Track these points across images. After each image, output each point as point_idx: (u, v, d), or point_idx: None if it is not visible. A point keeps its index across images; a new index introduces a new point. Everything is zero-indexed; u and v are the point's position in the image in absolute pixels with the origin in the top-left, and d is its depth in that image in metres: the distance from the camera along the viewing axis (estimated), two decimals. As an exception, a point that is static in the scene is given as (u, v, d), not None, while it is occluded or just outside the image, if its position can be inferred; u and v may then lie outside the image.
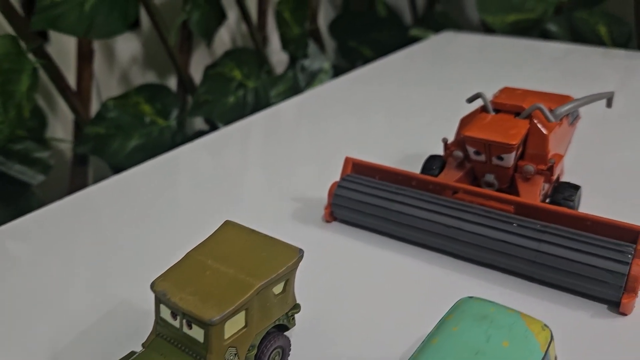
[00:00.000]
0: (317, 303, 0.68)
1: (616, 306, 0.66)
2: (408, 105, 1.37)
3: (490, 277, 0.72)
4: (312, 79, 1.91)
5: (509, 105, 0.79)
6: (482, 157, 0.78)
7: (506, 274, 0.72)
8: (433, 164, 0.86)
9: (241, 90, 1.61)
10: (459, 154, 0.81)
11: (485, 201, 0.76)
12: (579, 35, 1.80)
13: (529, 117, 0.77)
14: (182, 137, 1.48)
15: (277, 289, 0.56)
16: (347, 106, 1.38)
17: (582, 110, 1.00)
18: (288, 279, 0.56)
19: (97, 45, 1.45)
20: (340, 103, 1.40)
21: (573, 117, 0.89)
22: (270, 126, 1.27)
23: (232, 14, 1.84)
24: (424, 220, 0.75)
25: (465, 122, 0.82)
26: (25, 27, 1.19)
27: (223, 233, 0.60)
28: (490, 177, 0.80)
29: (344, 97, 1.44)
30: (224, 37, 1.86)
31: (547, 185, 0.80)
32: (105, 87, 1.53)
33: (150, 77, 1.63)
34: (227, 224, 0.61)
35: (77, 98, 1.31)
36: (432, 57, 1.82)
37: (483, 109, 0.81)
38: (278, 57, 2.05)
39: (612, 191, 0.92)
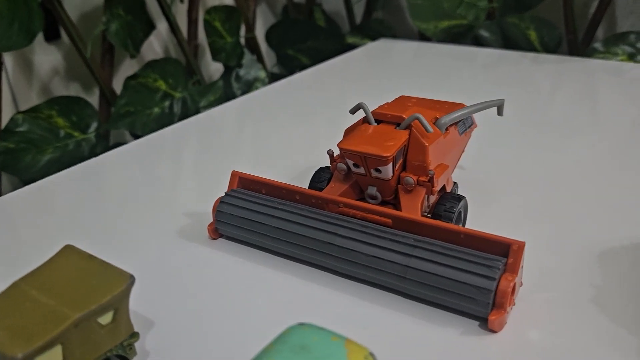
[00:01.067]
0: (184, 324, 0.65)
1: (486, 323, 0.63)
2: (332, 114, 1.35)
3: (364, 294, 0.69)
4: (249, 87, 1.88)
5: (390, 115, 0.77)
6: (362, 170, 0.75)
7: (382, 290, 0.70)
8: (322, 176, 0.84)
9: (167, 100, 1.57)
10: (342, 166, 0.79)
11: (365, 214, 0.73)
12: (510, 41, 1.80)
13: (409, 127, 0.75)
14: (103, 149, 1.44)
15: (105, 319, 0.52)
16: (268, 115, 1.35)
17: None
18: (118, 308, 0.53)
19: (11, 57, 1.40)
20: (259, 113, 1.37)
21: (466, 126, 0.87)
22: (181, 138, 1.23)
23: (164, 24, 1.80)
24: (299, 236, 0.73)
25: (347, 133, 0.80)
26: None
27: (59, 259, 0.56)
28: (372, 190, 0.77)
29: (265, 106, 1.41)
30: (156, 48, 1.82)
31: (433, 197, 0.78)
32: (24, 100, 1.48)
33: (73, 90, 1.58)
34: (66, 248, 0.58)
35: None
36: (366, 65, 1.80)
37: (365, 120, 0.79)
38: (216, 66, 2.02)
39: (512, 203, 0.91)
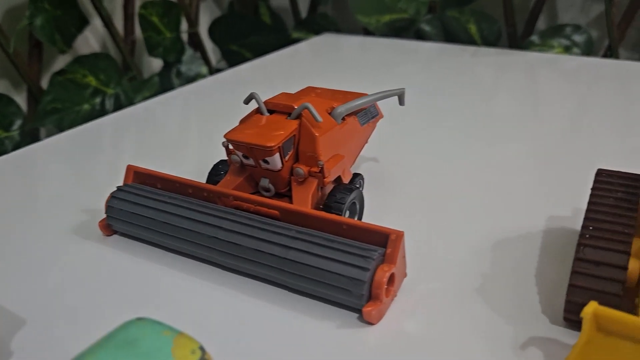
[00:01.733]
0: (57, 322, 0.62)
1: (360, 314, 0.62)
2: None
3: (248, 288, 0.67)
4: (190, 83, 1.85)
5: (282, 105, 0.75)
6: (252, 161, 0.73)
7: (265, 283, 0.68)
8: (220, 169, 0.82)
9: (98, 97, 1.54)
10: (236, 158, 0.77)
11: (254, 207, 0.71)
12: (451, 35, 1.80)
13: (299, 117, 0.74)
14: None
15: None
16: (200, 110, 1.32)
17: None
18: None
19: None
20: (188, 107, 1.34)
21: (369, 117, 0.86)
22: (101, 134, 1.20)
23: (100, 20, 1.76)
24: (185, 230, 0.71)
25: (240, 123, 0.78)
26: None
27: None
28: (265, 182, 0.75)
29: (200, 100, 1.38)
30: (93, 44, 1.77)
31: (328, 188, 0.76)
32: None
33: (1, 88, 1.53)
34: None
35: None
36: (309, 59, 1.79)
37: (258, 110, 0.77)
38: (160, 62, 1.98)
39: (417, 195, 0.90)
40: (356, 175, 0.85)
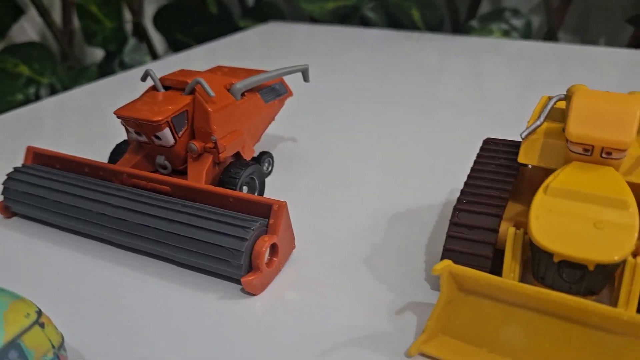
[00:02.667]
0: None
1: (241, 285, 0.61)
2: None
3: (136, 263, 0.66)
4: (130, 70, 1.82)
5: (176, 81, 0.74)
6: (145, 138, 0.73)
7: (152, 258, 0.67)
8: (121, 148, 0.80)
9: (32, 86, 1.51)
10: (134, 136, 0.76)
11: (146, 184, 0.70)
12: (395, 21, 1.81)
13: (193, 92, 0.73)
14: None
15: None
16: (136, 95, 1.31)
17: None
18: None
19: None
20: (119, 94, 1.32)
21: (276, 94, 0.85)
22: (34, 119, 1.17)
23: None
24: (77, 208, 0.69)
25: (135, 101, 0.77)
26: None
27: None
28: (161, 159, 0.74)
29: (132, 87, 1.36)
30: (31, 34, 1.74)
31: (225, 163, 0.76)
32: None
33: None
34: None
35: None
36: (256, 46, 1.77)
37: (153, 88, 0.76)
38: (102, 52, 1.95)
39: (328, 171, 0.90)
40: (263, 154, 0.85)
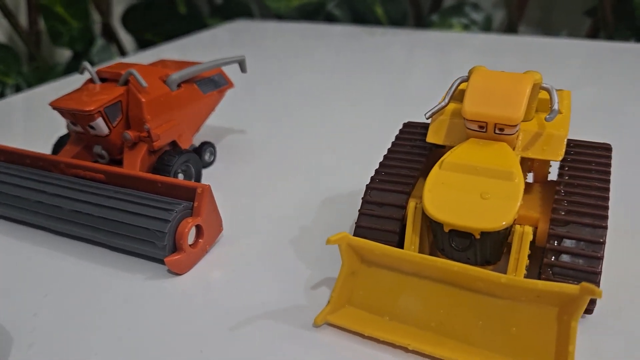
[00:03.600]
0: None
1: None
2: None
3: (70, 248, 0.69)
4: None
5: (112, 73, 0.77)
6: (80, 128, 0.75)
7: (83, 242, 0.69)
8: (63, 140, 0.83)
9: (-3, 87, 1.52)
10: (71, 126, 0.78)
11: (82, 172, 0.73)
12: (359, 17, 1.84)
13: (127, 83, 0.75)
14: None
15: None
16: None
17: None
18: None
19: None
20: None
21: (214, 86, 0.87)
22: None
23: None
24: (15, 197, 0.72)
25: (73, 93, 0.79)
26: None
27: None
28: (98, 149, 0.77)
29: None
30: (-1, 35, 1.76)
31: (162, 151, 0.78)
32: None
33: None
34: None
35: None
36: (223, 43, 1.80)
37: (90, 80, 0.78)
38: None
39: (274, 161, 0.92)
40: (205, 144, 0.87)
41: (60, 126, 1.03)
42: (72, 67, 1.76)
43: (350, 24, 1.85)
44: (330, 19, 1.86)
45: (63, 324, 0.57)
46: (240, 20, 1.98)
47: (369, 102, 1.20)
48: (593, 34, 1.70)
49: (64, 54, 1.90)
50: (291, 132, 1.03)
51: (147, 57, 1.63)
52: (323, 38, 1.77)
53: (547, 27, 1.83)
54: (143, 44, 2.01)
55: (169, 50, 1.67)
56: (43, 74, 1.65)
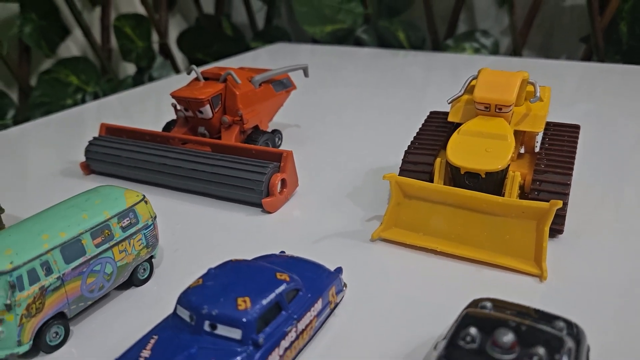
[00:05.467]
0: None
1: (262, 207, 0.89)
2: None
3: (192, 199, 0.95)
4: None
5: (213, 73, 1.04)
6: (190, 113, 1.01)
7: (201, 196, 0.95)
8: (171, 124, 1.09)
9: (80, 93, 1.81)
10: (181, 113, 1.05)
11: (194, 146, 0.99)
12: (384, 41, 2.11)
13: (225, 81, 1.02)
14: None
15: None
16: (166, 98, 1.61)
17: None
18: None
19: None
20: (157, 97, 1.62)
21: (284, 87, 1.14)
22: (80, 118, 1.47)
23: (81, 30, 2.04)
24: (142, 161, 0.98)
25: (184, 88, 1.06)
26: None
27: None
28: (202, 129, 1.03)
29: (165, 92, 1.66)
30: (72, 49, 2.05)
31: (248, 132, 1.04)
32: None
33: (-5, 86, 1.79)
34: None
35: None
36: (265, 62, 2.08)
37: (196, 79, 1.05)
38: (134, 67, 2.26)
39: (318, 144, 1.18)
40: (275, 130, 1.14)
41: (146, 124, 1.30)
42: (136, 80, 2.05)
43: (376, 47, 2.13)
44: (359, 42, 2.14)
45: (193, 240, 0.83)
46: (280, 43, 2.27)
47: (392, 111, 1.46)
48: (587, 57, 1.96)
49: (128, 68, 2.19)
50: (331, 129, 1.29)
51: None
52: (352, 59, 2.04)
53: (548, 52, 2.10)
54: (194, 62, 2.30)
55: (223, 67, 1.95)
56: (115, 84, 1.93)
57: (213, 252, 0.79)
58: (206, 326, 0.52)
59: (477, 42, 1.98)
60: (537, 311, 0.52)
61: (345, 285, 0.67)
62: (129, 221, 0.68)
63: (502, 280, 0.71)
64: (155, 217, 0.72)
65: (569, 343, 0.47)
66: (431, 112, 0.97)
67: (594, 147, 1.11)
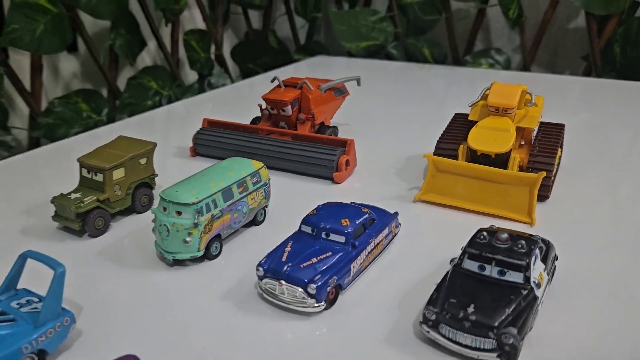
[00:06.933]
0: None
1: (333, 179, 1.23)
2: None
3: (277, 174, 1.28)
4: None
5: (292, 82, 1.38)
6: (275, 111, 1.36)
7: (285, 172, 1.29)
8: (257, 120, 1.44)
9: (157, 96, 2.16)
10: (266, 112, 1.39)
11: (278, 135, 1.33)
12: (411, 56, 2.45)
13: (301, 88, 1.36)
14: (111, 130, 2.00)
15: (142, 161, 1.10)
16: (227, 104, 1.95)
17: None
18: (148, 157, 1.11)
19: (45, 61, 1.98)
20: (215, 102, 1.97)
21: (341, 93, 1.48)
22: (168, 115, 1.82)
23: (154, 42, 2.40)
24: (238, 145, 1.32)
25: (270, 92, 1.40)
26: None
27: (116, 139, 1.14)
28: (282, 123, 1.38)
29: (225, 99, 2.01)
30: (146, 59, 2.41)
31: (317, 126, 1.39)
32: (52, 92, 2.06)
33: (88, 87, 2.16)
34: (119, 137, 1.16)
35: (32, 98, 1.83)
36: (307, 73, 2.42)
37: (278, 86, 1.39)
38: (195, 74, 2.62)
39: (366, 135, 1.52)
40: (333, 126, 1.48)
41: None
42: (200, 86, 2.40)
43: (404, 61, 2.47)
44: (389, 57, 2.48)
45: (284, 203, 1.16)
46: (320, 56, 2.62)
47: (418, 114, 1.79)
48: (587, 73, 2.28)
49: (190, 75, 2.55)
50: (372, 127, 1.63)
51: (247, 84, 2.25)
52: (383, 71, 2.38)
53: (553, 68, 2.42)
54: (245, 71, 2.66)
55: (265, 80, 2.30)
56: (184, 89, 2.29)
57: (299, 209, 1.13)
58: (322, 235, 0.85)
59: (491, 59, 2.32)
60: (524, 232, 0.85)
61: (399, 223, 1.01)
62: (256, 179, 1.02)
63: (504, 226, 1.04)
64: (270, 179, 1.06)
65: (541, 244, 0.80)
66: (455, 114, 1.30)
67: (588, 148, 1.43)
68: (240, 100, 1.97)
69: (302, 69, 2.46)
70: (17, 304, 0.74)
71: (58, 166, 1.38)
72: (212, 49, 2.56)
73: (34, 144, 1.90)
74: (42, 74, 1.89)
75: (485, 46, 2.49)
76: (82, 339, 0.77)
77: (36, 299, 0.75)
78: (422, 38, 2.43)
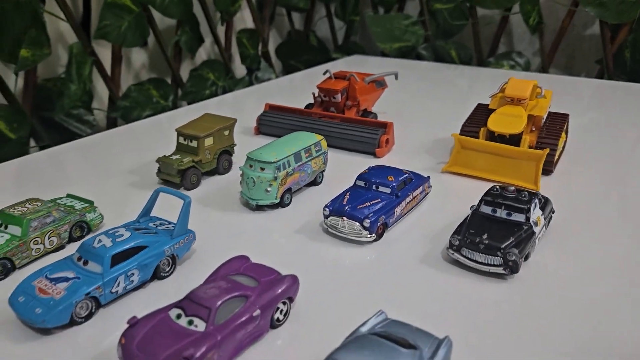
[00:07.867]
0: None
1: (375, 154, 1.50)
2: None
3: (336, 151, 1.56)
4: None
5: (341, 74, 1.65)
6: (327, 98, 1.63)
7: (341, 149, 1.56)
8: (310, 105, 1.72)
9: (214, 86, 2.46)
10: (319, 98, 1.67)
11: (329, 118, 1.61)
12: (439, 57, 2.71)
13: (349, 79, 1.63)
14: (174, 115, 2.30)
15: (226, 132, 1.38)
16: (271, 95, 2.23)
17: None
18: (230, 129, 1.39)
19: (123, 53, 2.28)
20: (262, 94, 2.25)
21: (380, 85, 1.75)
22: (229, 103, 2.10)
23: (209, 38, 2.70)
24: (297, 126, 1.59)
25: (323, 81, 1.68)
26: (85, 38, 2.02)
27: (203, 116, 1.43)
28: (332, 109, 1.65)
29: (269, 92, 2.29)
30: (202, 54, 2.71)
31: (361, 112, 1.66)
32: (125, 80, 2.36)
33: (154, 75, 2.46)
34: (206, 114, 1.44)
35: (112, 83, 2.13)
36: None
37: (329, 78, 1.67)
38: (244, 68, 2.91)
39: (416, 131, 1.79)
40: (373, 112, 1.74)
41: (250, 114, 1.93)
42: (250, 80, 2.69)
43: (433, 61, 2.73)
44: (419, 57, 2.74)
45: (334, 172, 1.44)
46: (356, 55, 2.89)
47: (445, 108, 2.05)
48: (600, 76, 2.52)
49: (238, 70, 2.84)
50: (404, 116, 1.89)
51: (287, 79, 2.53)
52: (414, 70, 2.64)
53: (570, 70, 2.66)
54: (288, 67, 2.94)
55: (304, 76, 2.57)
56: (236, 81, 2.58)
57: (348, 177, 1.40)
58: (373, 187, 1.12)
59: (513, 61, 2.56)
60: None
61: (431, 185, 1.27)
62: (318, 148, 1.29)
63: (515, 192, 1.29)
64: (327, 150, 1.33)
65: (541, 197, 1.06)
66: (478, 104, 1.56)
67: (595, 139, 1.68)
68: (281, 92, 2.24)
69: (339, 67, 2.73)
70: (154, 224, 1.02)
71: (146, 140, 1.67)
72: (260, 46, 2.84)
73: (111, 124, 2.21)
74: (121, 64, 2.19)
75: (508, 49, 2.74)
76: (198, 252, 1.06)
77: (166, 222, 1.04)
78: (450, 41, 2.69)
